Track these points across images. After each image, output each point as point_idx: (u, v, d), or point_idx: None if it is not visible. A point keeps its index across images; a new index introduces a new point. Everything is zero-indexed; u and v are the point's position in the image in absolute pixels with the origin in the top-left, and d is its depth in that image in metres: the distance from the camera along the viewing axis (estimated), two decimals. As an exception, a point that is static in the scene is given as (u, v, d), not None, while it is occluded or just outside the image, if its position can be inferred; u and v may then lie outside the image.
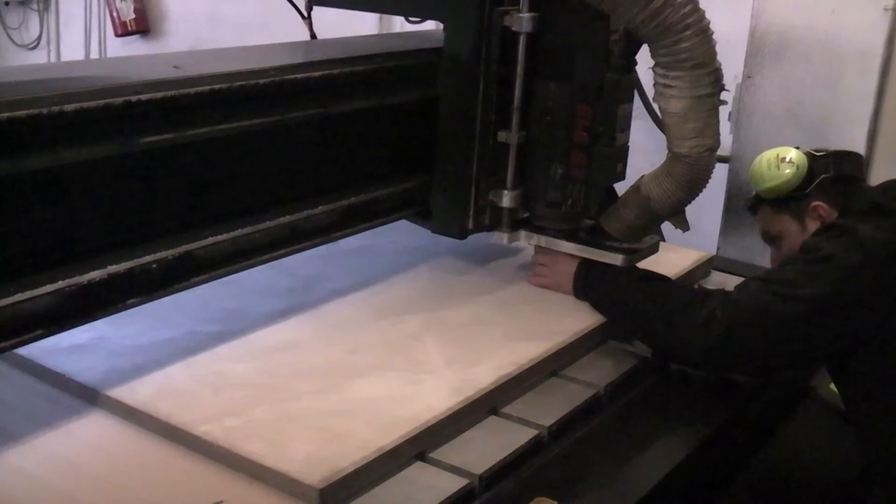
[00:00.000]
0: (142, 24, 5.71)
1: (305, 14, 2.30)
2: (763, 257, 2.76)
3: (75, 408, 1.54)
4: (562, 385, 1.77)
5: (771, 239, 1.98)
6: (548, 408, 1.67)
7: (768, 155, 1.92)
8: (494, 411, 1.65)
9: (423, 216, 2.15)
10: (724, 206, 3.04)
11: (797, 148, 1.93)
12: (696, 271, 2.32)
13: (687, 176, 1.96)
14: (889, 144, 2.81)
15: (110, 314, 1.54)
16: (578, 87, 1.97)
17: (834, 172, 1.88)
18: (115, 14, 5.71)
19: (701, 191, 2.01)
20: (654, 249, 2.11)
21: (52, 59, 6.12)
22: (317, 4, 2.25)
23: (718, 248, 2.92)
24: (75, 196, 1.49)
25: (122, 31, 5.72)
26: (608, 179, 2.05)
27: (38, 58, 6.12)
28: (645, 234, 2.10)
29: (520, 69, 1.97)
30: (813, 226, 1.87)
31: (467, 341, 1.81)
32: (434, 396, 1.59)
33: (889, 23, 2.68)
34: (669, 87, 1.91)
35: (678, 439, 1.67)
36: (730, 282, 2.32)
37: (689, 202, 2.03)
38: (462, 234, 2.09)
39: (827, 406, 2.06)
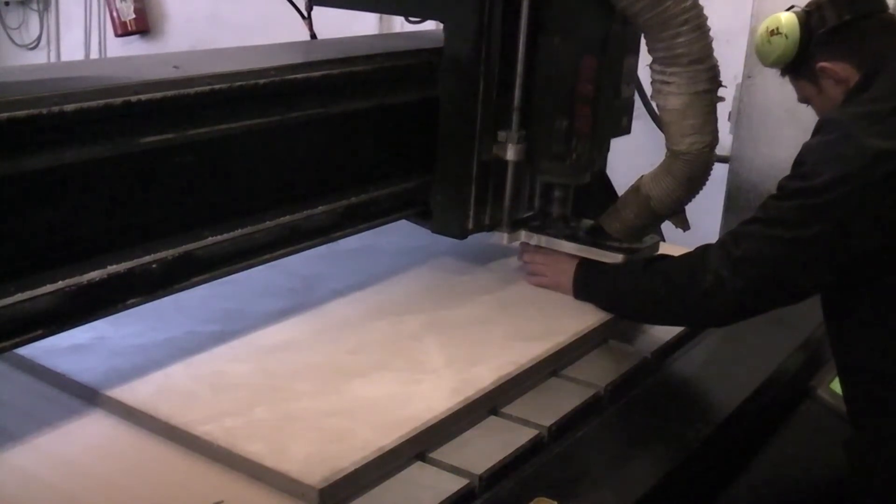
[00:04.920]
0: (142, 24, 5.72)
1: (305, 14, 2.30)
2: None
3: (75, 408, 1.54)
4: (562, 385, 1.77)
5: (804, 101, 1.89)
6: (548, 408, 1.66)
7: (762, 28, 1.83)
8: (494, 411, 1.64)
9: (423, 216, 2.15)
10: (724, 206, 3.04)
11: (791, 8, 1.81)
12: (696, 271, 2.32)
13: (687, 174, 1.95)
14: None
15: (110, 314, 1.54)
16: (583, 40, 1.95)
17: (833, 23, 1.74)
18: (115, 14, 5.71)
19: (701, 188, 2.01)
20: (654, 249, 2.11)
21: (52, 59, 6.12)
22: (317, 4, 2.26)
23: (718, 248, 2.91)
24: (75, 196, 1.49)
25: (122, 31, 5.73)
26: (613, 132, 2.04)
27: (38, 58, 6.13)
28: (645, 234, 2.10)
29: (523, 24, 1.94)
30: (830, 87, 1.77)
31: (467, 341, 1.82)
32: (434, 396, 1.59)
33: (889, 23, 2.68)
34: (667, 83, 1.90)
35: (678, 439, 1.67)
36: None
37: (689, 200, 2.03)
38: (462, 234, 2.09)
39: (827, 406, 2.06)
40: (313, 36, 2.35)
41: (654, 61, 1.92)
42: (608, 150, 2.07)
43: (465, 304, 1.99)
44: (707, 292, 1.73)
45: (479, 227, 2.10)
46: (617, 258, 2.01)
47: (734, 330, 2.04)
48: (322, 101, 1.85)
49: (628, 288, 1.93)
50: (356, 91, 1.92)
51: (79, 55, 5.98)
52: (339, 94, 1.88)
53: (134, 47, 5.72)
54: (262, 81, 1.70)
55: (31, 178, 1.40)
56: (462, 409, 1.57)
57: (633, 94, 2.01)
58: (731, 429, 1.77)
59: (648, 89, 2.03)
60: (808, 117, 2.82)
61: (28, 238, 1.44)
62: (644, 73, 2.08)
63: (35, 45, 6.21)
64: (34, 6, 6.16)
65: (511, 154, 2.02)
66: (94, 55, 5.98)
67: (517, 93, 1.99)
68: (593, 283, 2.00)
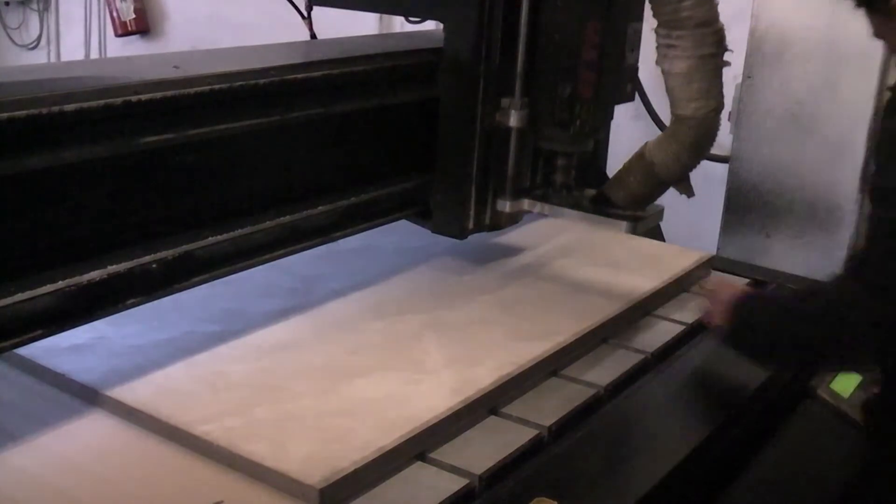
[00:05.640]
0: (142, 24, 5.71)
1: (305, 14, 2.30)
2: (763, 257, 2.76)
3: (75, 408, 1.54)
4: (562, 385, 1.77)
5: (878, 37, 1.76)
6: (548, 408, 1.66)
7: None
8: (494, 411, 1.65)
9: (423, 216, 2.15)
10: (724, 206, 3.04)
11: None
12: (695, 271, 2.32)
13: (692, 139, 1.93)
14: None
15: (110, 314, 1.54)
16: (587, 5, 1.93)
17: None
18: (115, 14, 5.71)
19: (706, 154, 1.98)
20: (658, 217, 2.08)
21: (52, 59, 6.12)
22: (317, 4, 2.26)
23: (718, 248, 2.91)
24: (75, 196, 1.49)
25: (122, 31, 5.72)
26: (617, 99, 2.02)
27: (38, 58, 6.12)
28: (650, 202, 2.07)
29: None
30: None
31: (467, 341, 1.82)
32: (434, 396, 1.59)
33: (889, 23, 2.68)
34: (673, 46, 1.88)
35: (678, 439, 1.67)
36: (729, 281, 2.33)
37: (695, 166, 2.00)
38: (462, 234, 2.09)
39: (827, 406, 2.06)
40: (313, 36, 2.35)
41: (659, 25, 1.90)
42: (611, 117, 2.05)
43: (465, 304, 1.99)
44: (858, 331, 1.61)
45: (480, 227, 2.10)
46: (621, 225, 1.99)
47: (734, 330, 2.03)
48: (322, 101, 1.85)
49: (789, 326, 1.74)
50: (356, 91, 1.92)
51: (79, 55, 5.98)
52: (338, 95, 1.88)
53: (134, 47, 5.72)
54: (261, 81, 1.70)
55: (32, 177, 1.41)
56: (462, 409, 1.57)
57: (637, 61, 1.98)
58: (731, 429, 1.77)
59: (650, 66, 2.00)
60: (808, 118, 2.82)
61: (28, 238, 1.44)
62: (646, 51, 2.05)
63: (35, 45, 6.21)
64: (34, 6, 6.15)
65: (514, 120, 2.02)
66: (94, 55, 5.98)
67: (520, 59, 1.98)
68: (753, 323, 1.80)
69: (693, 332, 2.06)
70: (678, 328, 2.05)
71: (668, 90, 1.93)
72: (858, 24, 2.42)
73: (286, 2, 2.30)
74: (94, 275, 1.48)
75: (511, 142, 2.06)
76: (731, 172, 3.00)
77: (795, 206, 2.77)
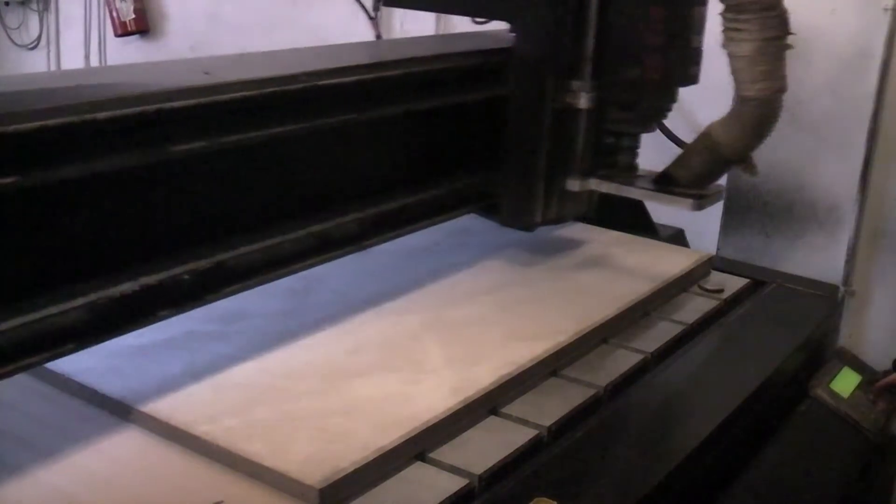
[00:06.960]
0: (142, 24, 5.71)
1: (372, 14, 2.30)
2: (763, 257, 2.77)
3: (75, 408, 1.54)
4: (562, 385, 1.77)
5: None
6: (548, 408, 1.67)
7: None
8: (494, 411, 1.65)
9: (491, 210, 2.23)
10: (724, 206, 3.04)
11: None
12: (696, 271, 2.32)
13: (756, 119, 1.99)
14: (889, 144, 2.81)
15: (142, 326, 1.52)
16: None
17: None
18: (114, 14, 5.71)
19: (769, 134, 2.03)
20: (719, 196, 2.16)
21: (52, 60, 6.12)
22: (386, 5, 2.27)
23: (718, 248, 2.92)
24: (107, 206, 1.47)
25: (122, 31, 5.72)
26: (683, 82, 2.09)
27: (38, 58, 6.13)
28: (712, 181, 2.13)
29: None
30: None
31: (467, 341, 1.82)
32: (434, 396, 1.59)
33: (889, 23, 2.68)
34: (739, 30, 1.93)
35: (678, 439, 1.67)
36: (730, 282, 2.33)
37: (758, 146, 2.05)
38: (530, 227, 2.19)
39: (827, 406, 2.06)
40: (378, 36, 2.36)
41: (725, 10, 1.96)
42: (676, 99, 2.15)
43: (465, 304, 1.99)
44: None
45: (547, 221, 2.18)
46: (686, 203, 2.05)
47: (734, 330, 2.04)
48: (354, 106, 1.82)
49: None
50: (387, 96, 1.90)
51: (79, 55, 5.98)
52: (370, 100, 1.85)
53: (134, 47, 5.72)
54: (293, 87, 1.66)
55: (62, 188, 1.38)
56: (462, 408, 1.57)
57: (702, 45, 2.05)
58: (731, 429, 1.77)
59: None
60: (808, 118, 2.82)
61: (59, 250, 1.42)
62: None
63: (35, 45, 6.21)
64: (34, 6, 6.15)
65: (584, 102, 2.08)
66: (93, 55, 5.98)
67: (590, 42, 2.05)
68: None
69: (693, 332, 2.06)
70: (678, 328, 2.05)
71: (733, 72, 2.00)
72: (858, 24, 2.43)
73: (289, 1, 2.30)
74: (126, 287, 1.46)
75: (580, 123, 2.12)
76: (731, 172, 3.00)
77: (795, 206, 2.78)
